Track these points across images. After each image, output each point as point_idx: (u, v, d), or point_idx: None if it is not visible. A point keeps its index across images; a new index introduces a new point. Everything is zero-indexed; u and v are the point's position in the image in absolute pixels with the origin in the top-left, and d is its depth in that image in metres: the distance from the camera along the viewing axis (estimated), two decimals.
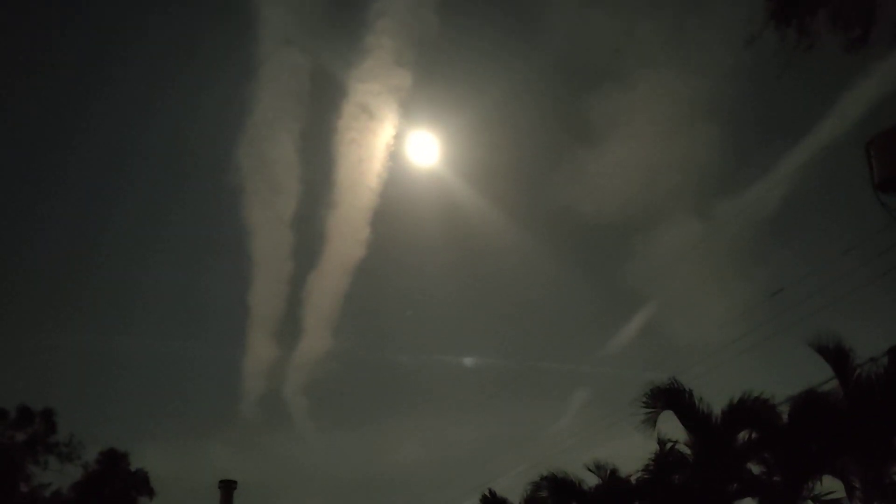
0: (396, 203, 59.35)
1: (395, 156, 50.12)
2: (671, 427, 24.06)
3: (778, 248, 55.16)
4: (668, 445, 24.42)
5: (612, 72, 55.16)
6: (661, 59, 50.12)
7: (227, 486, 46.14)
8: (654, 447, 24.70)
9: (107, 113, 68.30)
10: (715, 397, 23.70)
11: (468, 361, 66.19)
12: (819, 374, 21.15)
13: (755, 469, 23.56)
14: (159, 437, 61.56)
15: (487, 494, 33.79)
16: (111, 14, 66.67)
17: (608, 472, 27.88)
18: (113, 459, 40.30)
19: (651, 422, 23.89)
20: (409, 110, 49.93)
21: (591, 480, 28.46)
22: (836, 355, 20.95)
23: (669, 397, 23.76)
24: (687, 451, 24.17)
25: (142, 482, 40.85)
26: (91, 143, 70.56)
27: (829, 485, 21.77)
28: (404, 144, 49.25)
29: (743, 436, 23.30)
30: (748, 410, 22.88)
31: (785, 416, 22.24)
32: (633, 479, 26.90)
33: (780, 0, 8.41)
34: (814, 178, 45.22)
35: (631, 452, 27.20)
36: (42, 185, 70.79)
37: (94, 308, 71.94)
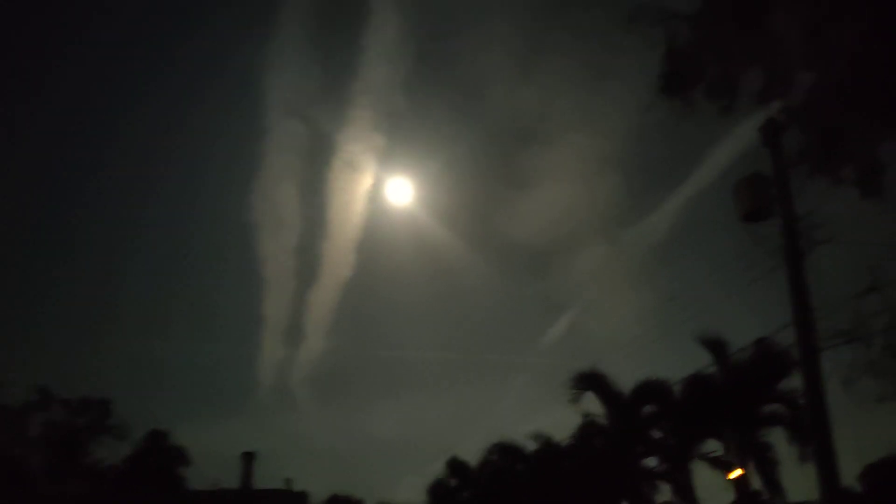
0: (376, 235, 59.77)
1: (374, 199, 50.40)
2: (592, 404, 24.19)
3: (669, 265, 56.05)
4: (590, 418, 24.49)
5: (538, 134, 56.29)
6: (575, 123, 51.05)
7: (248, 457, 45.32)
8: (579, 420, 24.79)
9: (167, 173, 69.57)
10: (625, 380, 23.89)
11: (434, 355, 66.11)
12: (703, 361, 21.39)
13: (656, 434, 23.72)
14: (194, 418, 60.69)
15: (453, 459, 33.53)
16: (164, 98, 68.11)
17: (544, 439, 27.87)
18: (157, 437, 39.44)
19: (576, 400, 23.96)
20: (385, 163, 50.37)
21: (531, 446, 28.47)
22: (715, 346, 21.18)
23: (590, 381, 23.84)
24: (604, 422, 24.25)
25: (180, 455, 40.05)
26: (159, 197, 71.67)
27: (712, 445, 22.02)
28: (381, 189, 49.52)
29: (647, 409, 23.45)
30: (650, 390, 23.04)
31: (678, 394, 22.44)
32: (563, 444, 26.94)
33: (668, 78, 8.60)
34: (693, 212, 46.25)
35: (561, 424, 27.25)
36: (125, 227, 71.46)
37: (138, 317, 70.96)
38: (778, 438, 20.33)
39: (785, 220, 11.71)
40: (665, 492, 23.31)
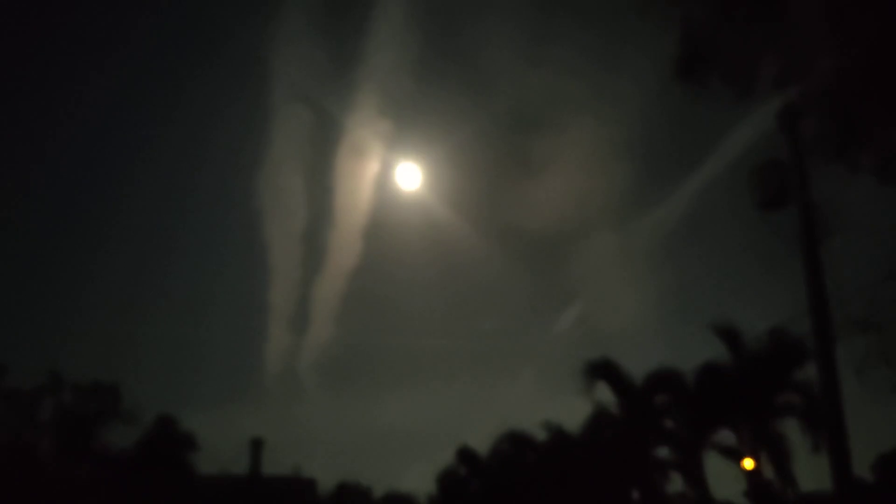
0: (383, 222, 59.91)
1: (381, 185, 50.46)
2: (603, 393, 24.30)
3: (680, 254, 56.10)
4: (602, 408, 24.58)
5: (548, 119, 56.25)
6: (586, 109, 50.93)
7: (256, 443, 45.85)
8: (591, 409, 24.89)
9: (173, 160, 70.83)
10: (637, 369, 23.97)
11: (442, 344, 66.40)
12: (716, 350, 21.45)
13: (669, 424, 23.80)
14: (203, 404, 61.45)
15: (463, 448, 33.72)
16: (169, 84, 68.96)
17: (555, 429, 27.99)
18: (166, 423, 39.86)
19: (588, 389, 24.06)
20: (392, 149, 50.37)
21: (542, 436, 28.61)
22: (729, 335, 21.23)
23: (602, 370, 23.94)
24: (616, 411, 24.35)
25: (189, 441, 40.47)
26: (165, 183, 72.87)
27: (725, 435, 22.08)
28: (389, 175, 49.52)
29: (659, 399, 23.52)
30: (663, 379, 23.11)
31: (691, 383, 22.49)
32: (574, 434, 27.05)
33: (683, 63, 8.60)
34: (706, 201, 46.09)
35: (572, 413, 27.37)
36: (132, 213, 72.74)
37: (144, 303, 71.87)
38: (791, 428, 20.40)
39: (801, 207, 11.70)
40: (677, 482, 23.45)
